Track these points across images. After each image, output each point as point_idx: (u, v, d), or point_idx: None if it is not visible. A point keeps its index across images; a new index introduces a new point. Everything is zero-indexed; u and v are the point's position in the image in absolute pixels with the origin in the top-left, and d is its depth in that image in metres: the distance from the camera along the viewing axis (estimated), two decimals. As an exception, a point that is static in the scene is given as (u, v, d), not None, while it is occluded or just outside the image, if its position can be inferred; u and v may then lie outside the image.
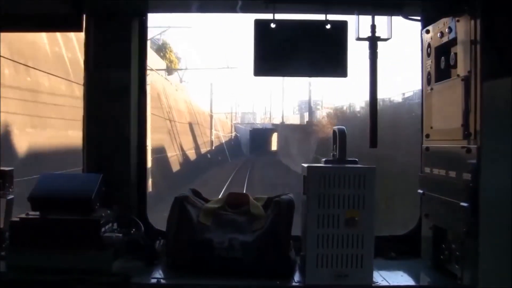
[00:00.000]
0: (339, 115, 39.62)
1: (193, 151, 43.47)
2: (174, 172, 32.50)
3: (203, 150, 48.67)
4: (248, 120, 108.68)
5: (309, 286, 2.65)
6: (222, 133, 66.62)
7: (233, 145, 75.03)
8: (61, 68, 19.44)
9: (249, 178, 36.76)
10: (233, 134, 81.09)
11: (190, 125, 45.96)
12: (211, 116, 57.06)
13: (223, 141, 64.70)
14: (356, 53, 3.23)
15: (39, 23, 3.15)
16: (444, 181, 2.76)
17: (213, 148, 54.19)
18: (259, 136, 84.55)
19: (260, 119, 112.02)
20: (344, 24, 3.07)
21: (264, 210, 2.92)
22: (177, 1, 3.35)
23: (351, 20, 3.17)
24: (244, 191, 3.50)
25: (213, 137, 55.65)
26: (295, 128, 56.35)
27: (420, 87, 3.26)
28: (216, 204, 2.98)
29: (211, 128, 55.66)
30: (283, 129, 63.82)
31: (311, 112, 57.56)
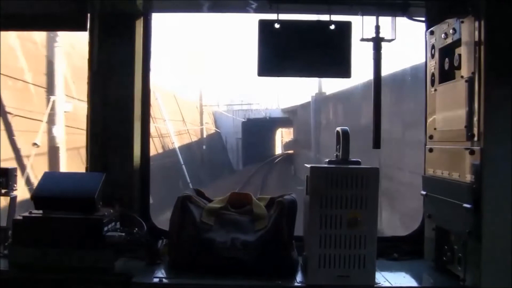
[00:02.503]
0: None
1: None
2: None
3: None
4: (240, 103, 54.45)
5: (311, 287, 2.64)
6: (173, 127, 27.13)
7: (208, 150, 36.75)
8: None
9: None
10: (205, 127, 38.70)
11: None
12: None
13: (176, 146, 26.34)
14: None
15: (43, 22, 3.16)
16: (447, 182, 2.76)
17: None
18: (260, 132, 49.91)
19: (257, 105, 54.89)
20: (348, 25, 3.07)
21: (267, 210, 2.91)
22: (181, 0, 3.35)
23: (356, 21, 3.18)
24: None
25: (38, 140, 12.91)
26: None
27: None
28: (219, 204, 2.98)
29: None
30: (325, 104, 27.73)
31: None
